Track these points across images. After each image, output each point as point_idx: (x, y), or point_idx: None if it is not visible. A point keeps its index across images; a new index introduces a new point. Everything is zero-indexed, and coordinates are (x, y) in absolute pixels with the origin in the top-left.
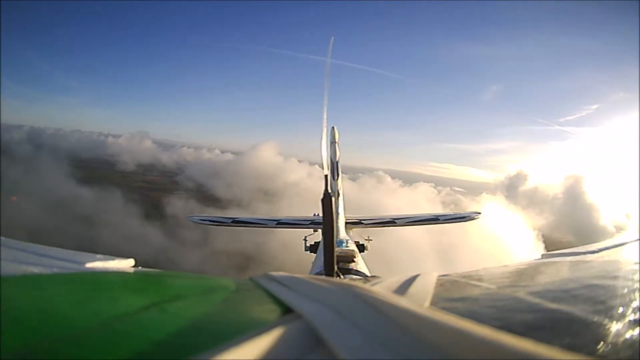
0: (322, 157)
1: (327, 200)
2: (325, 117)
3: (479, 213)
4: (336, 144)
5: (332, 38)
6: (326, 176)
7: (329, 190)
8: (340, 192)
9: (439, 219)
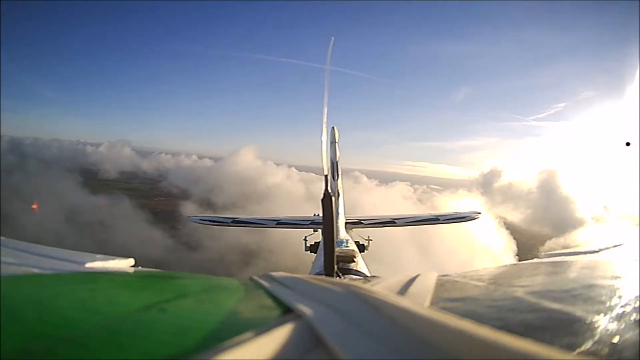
0: (322, 157)
1: (327, 200)
2: (325, 117)
3: (479, 213)
4: (336, 144)
5: (332, 39)
6: (326, 176)
7: (329, 190)
8: (340, 192)
9: (439, 219)
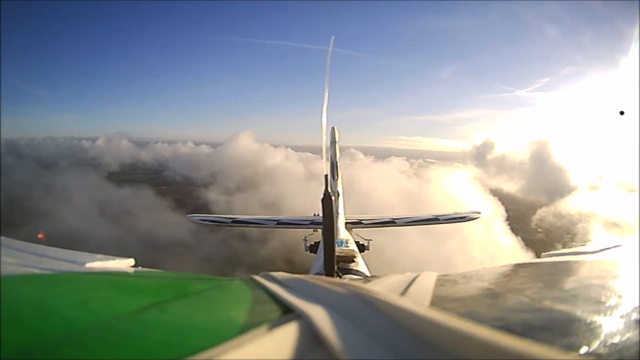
0: (322, 157)
1: (327, 200)
2: (325, 118)
3: (479, 213)
4: (336, 144)
5: (333, 37)
6: (326, 176)
7: (329, 190)
8: (340, 192)
9: (438, 219)
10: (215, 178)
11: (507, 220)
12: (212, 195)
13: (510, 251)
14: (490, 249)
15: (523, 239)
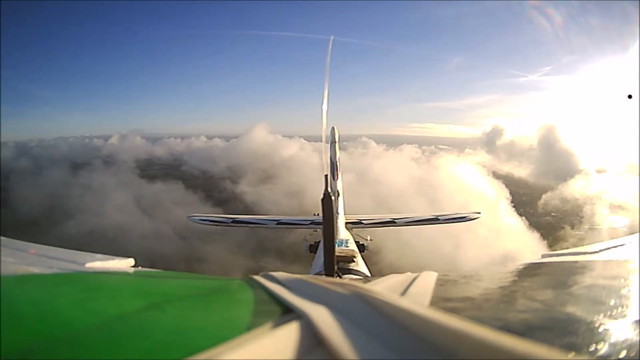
0: (322, 157)
1: (327, 200)
2: (324, 119)
3: (479, 213)
4: (336, 144)
5: (332, 37)
6: (326, 176)
7: (329, 190)
8: (340, 191)
9: (438, 219)
10: (233, 171)
11: (517, 204)
12: (237, 187)
13: (520, 233)
14: (501, 232)
15: (534, 223)
